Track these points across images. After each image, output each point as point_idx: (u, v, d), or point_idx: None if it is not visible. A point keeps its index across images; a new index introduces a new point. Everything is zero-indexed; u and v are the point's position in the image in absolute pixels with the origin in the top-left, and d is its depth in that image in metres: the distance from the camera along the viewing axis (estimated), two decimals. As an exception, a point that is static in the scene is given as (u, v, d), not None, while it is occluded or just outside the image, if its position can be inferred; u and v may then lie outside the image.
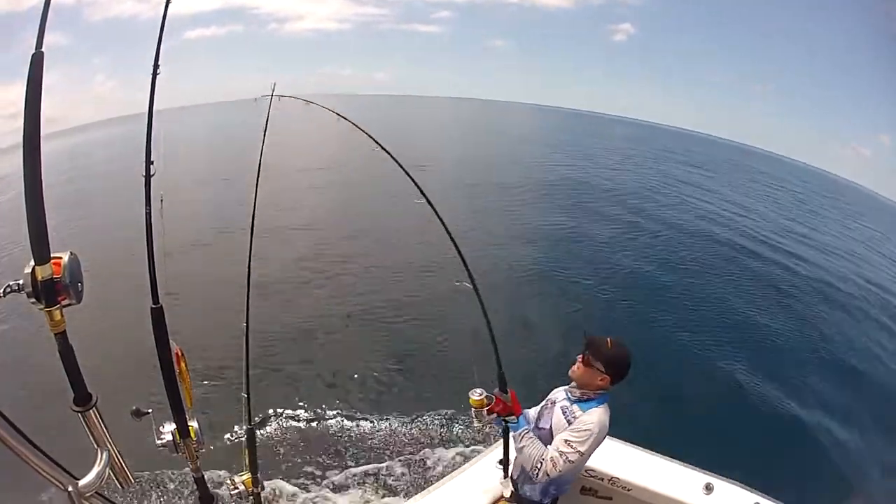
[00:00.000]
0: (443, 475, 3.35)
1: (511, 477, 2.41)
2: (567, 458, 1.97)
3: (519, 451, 2.14)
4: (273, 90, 2.80)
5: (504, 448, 2.64)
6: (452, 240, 2.46)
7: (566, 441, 1.98)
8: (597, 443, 2.00)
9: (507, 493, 2.42)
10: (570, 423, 2.05)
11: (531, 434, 2.12)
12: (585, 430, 1.97)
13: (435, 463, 5.00)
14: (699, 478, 2.72)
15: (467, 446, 5.19)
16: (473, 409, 2.19)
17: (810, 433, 6.31)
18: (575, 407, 2.07)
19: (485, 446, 3.72)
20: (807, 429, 6.39)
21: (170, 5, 1.80)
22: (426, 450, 5.17)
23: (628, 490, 2.74)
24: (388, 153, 2.60)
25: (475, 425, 2.25)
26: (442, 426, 5.50)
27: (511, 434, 2.20)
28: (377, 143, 2.66)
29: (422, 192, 2.51)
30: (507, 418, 2.20)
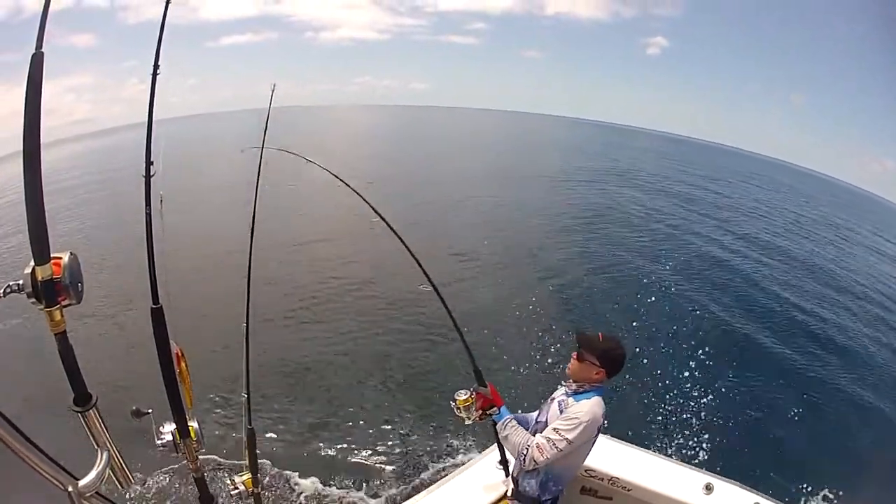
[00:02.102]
0: (443, 475, 3.35)
1: (511, 475, 2.41)
2: (554, 444, 1.99)
3: (504, 439, 2.19)
4: (273, 91, 2.80)
5: (500, 447, 2.64)
6: (408, 248, 2.58)
7: (555, 429, 2.02)
8: (587, 432, 2.00)
9: (510, 492, 2.41)
10: (562, 412, 2.09)
11: (514, 423, 2.18)
12: (574, 419, 1.99)
13: (435, 463, 5.00)
14: (699, 478, 2.72)
15: (467, 446, 5.19)
16: (461, 409, 2.28)
17: (810, 433, 6.31)
18: (570, 399, 2.11)
19: (485, 446, 3.72)
20: (807, 429, 6.39)
21: (170, 6, 1.80)
22: (427, 450, 5.17)
23: (628, 490, 2.74)
24: (345, 182, 2.78)
25: (466, 423, 2.32)
26: (442, 426, 5.50)
27: (496, 425, 2.24)
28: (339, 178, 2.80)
29: (376, 211, 2.62)
30: (489, 411, 2.27)
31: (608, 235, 14.33)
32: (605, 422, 2.07)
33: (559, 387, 2.28)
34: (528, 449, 2.05)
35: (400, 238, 2.59)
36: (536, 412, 2.35)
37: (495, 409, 2.25)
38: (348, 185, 2.81)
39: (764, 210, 23.22)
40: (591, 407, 2.01)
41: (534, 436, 2.11)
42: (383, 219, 2.60)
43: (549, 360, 6.60)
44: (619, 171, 31.39)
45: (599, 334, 2.09)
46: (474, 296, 9.10)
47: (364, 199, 2.69)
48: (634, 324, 8.59)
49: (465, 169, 26.24)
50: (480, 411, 2.28)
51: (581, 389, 2.10)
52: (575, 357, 2.11)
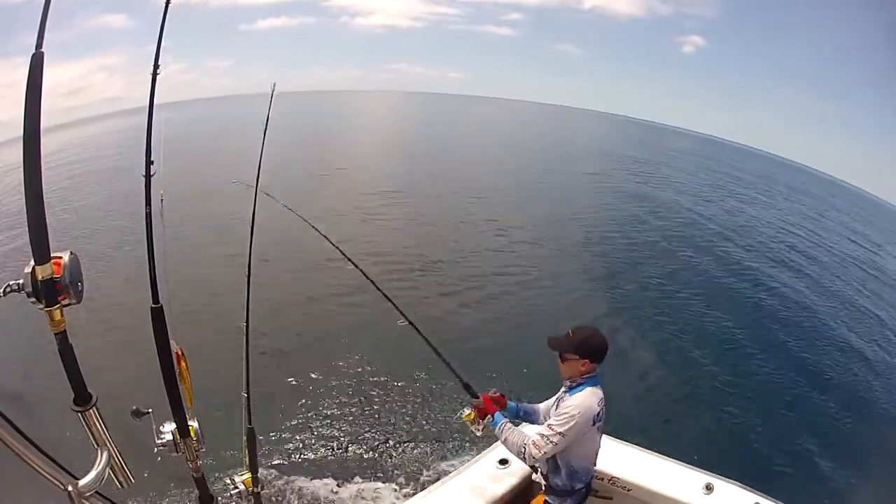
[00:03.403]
0: (443, 475, 3.35)
1: (541, 472, 2.46)
2: (549, 439, 2.12)
3: (504, 442, 2.31)
4: (273, 90, 2.79)
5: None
6: (377, 286, 2.69)
7: (549, 425, 2.15)
8: (581, 424, 2.10)
9: (543, 488, 2.45)
10: (558, 409, 2.22)
11: (509, 425, 2.32)
12: (565, 413, 2.11)
13: (435, 463, 5.00)
14: (699, 478, 2.72)
15: (467, 446, 5.20)
16: (468, 424, 2.46)
17: (810, 433, 6.31)
18: (566, 395, 2.23)
19: (486, 445, 3.71)
20: (807, 429, 6.39)
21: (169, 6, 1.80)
22: (427, 450, 5.17)
23: (628, 490, 2.74)
24: (320, 232, 2.84)
25: (478, 434, 2.45)
26: (443, 426, 5.50)
27: (494, 431, 2.35)
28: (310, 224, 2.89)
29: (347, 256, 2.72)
30: (484, 420, 2.39)
31: (626, 233, 14.43)
32: (602, 409, 2.16)
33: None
34: (525, 447, 2.18)
35: (367, 276, 2.69)
36: (544, 404, 2.49)
37: (489, 417, 2.37)
38: (325, 237, 2.85)
39: (787, 216, 22.79)
40: (581, 400, 2.13)
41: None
42: (353, 263, 2.68)
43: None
44: (652, 168, 31.09)
45: (569, 331, 2.21)
46: (488, 298, 9.13)
47: (331, 242, 2.77)
48: (637, 323, 8.60)
49: (493, 160, 26.46)
50: (481, 422, 2.40)
51: (574, 384, 2.21)
52: (559, 359, 2.23)
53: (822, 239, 19.32)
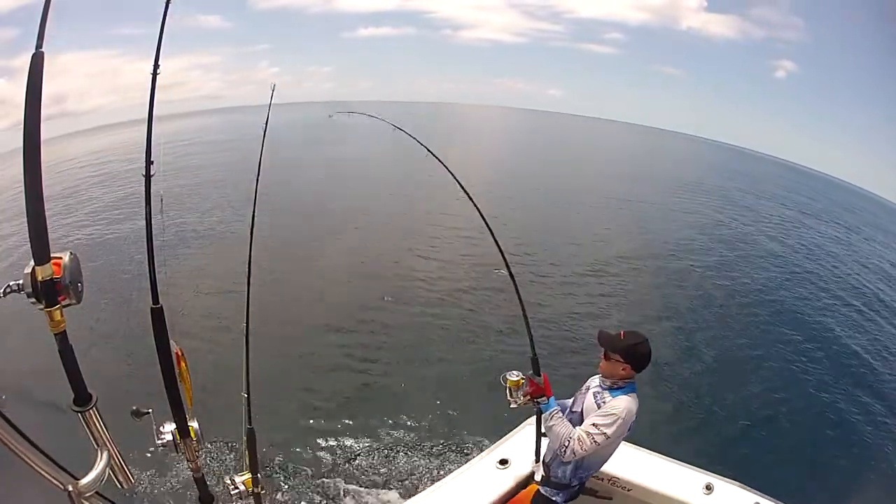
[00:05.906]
0: (443, 475, 3.35)
1: (543, 461, 2.47)
2: (593, 438, 2.10)
3: (548, 429, 2.26)
4: (273, 90, 2.80)
5: (536, 431, 2.66)
6: (490, 230, 2.70)
7: (594, 423, 2.11)
8: (623, 427, 2.10)
9: (538, 477, 2.46)
10: (599, 406, 2.18)
11: (560, 414, 2.26)
12: (612, 414, 2.09)
13: (435, 463, 5.00)
14: (699, 478, 2.72)
15: (467, 446, 5.20)
16: (508, 389, 2.30)
17: (810, 433, 6.31)
18: (606, 393, 2.21)
19: (488, 442, 3.72)
20: (807, 429, 6.39)
21: (170, 5, 1.80)
22: (427, 450, 5.17)
23: (628, 490, 2.74)
24: (436, 157, 2.93)
25: (511, 406, 2.33)
26: (443, 427, 5.50)
27: (542, 415, 2.31)
28: (427, 149, 2.99)
29: (464, 189, 2.79)
30: (538, 400, 2.30)
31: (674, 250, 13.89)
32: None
33: (594, 377, 2.34)
34: (569, 441, 2.14)
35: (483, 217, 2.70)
36: (571, 399, 2.43)
37: (544, 398, 2.29)
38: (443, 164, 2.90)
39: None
40: (627, 403, 2.12)
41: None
42: (467, 193, 2.74)
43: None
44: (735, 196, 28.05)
45: (621, 332, 2.20)
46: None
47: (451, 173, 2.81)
48: (640, 324, 8.59)
49: (594, 182, 26.41)
50: (528, 397, 2.30)
51: (615, 385, 2.20)
52: (603, 355, 2.21)
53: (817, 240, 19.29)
